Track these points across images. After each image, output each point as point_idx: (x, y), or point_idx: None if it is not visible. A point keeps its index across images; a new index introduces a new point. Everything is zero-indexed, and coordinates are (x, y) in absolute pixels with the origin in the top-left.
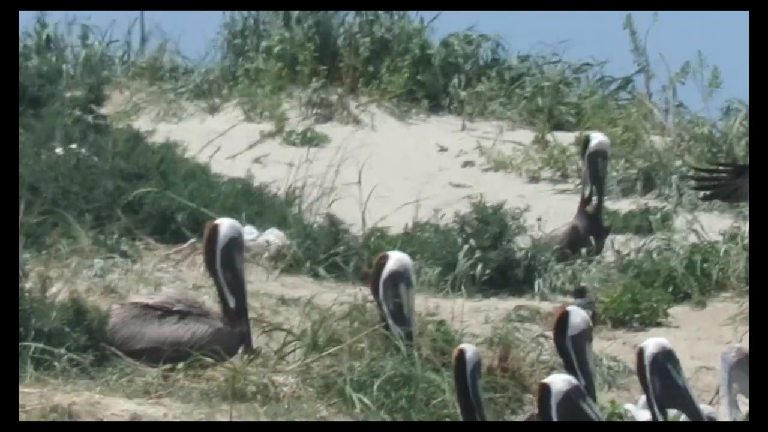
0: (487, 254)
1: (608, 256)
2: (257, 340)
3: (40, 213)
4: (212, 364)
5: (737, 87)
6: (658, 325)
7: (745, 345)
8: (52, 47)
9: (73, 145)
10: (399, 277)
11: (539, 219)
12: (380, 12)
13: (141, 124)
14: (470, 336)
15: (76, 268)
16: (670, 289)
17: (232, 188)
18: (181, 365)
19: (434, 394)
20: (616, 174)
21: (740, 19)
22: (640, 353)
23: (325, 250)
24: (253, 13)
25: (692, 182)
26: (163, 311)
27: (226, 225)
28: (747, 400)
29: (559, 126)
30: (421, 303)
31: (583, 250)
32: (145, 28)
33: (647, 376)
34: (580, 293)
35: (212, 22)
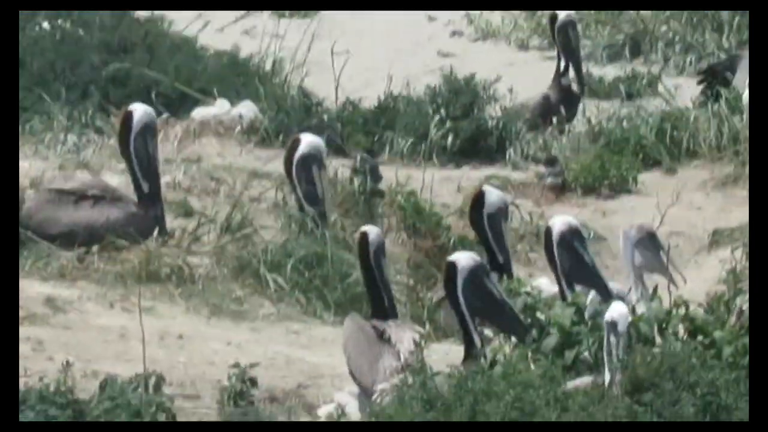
0: (458, 124)
1: (580, 125)
2: (173, 223)
3: (24, 88)
4: (126, 247)
5: None
6: (628, 192)
7: (647, 222)
8: None
9: (59, 20)
10: (311, 159)
11: (510, 89)
12: None
13: None
14: (441, 206)
15: (49, 143)
16: (641, 157)
17: (217, 61)
18: (95, 248)
19: (347, 273)
20: (602, 40)
21: None
22: (548, 231)
23: (298, 123)
24: None
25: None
26: (78, 196)
27: (140, 111)
28: (653, 276)
29: None
30: (392, 174)
31: (554, 119)
32: None
33: (555, 253)
34: (550, 162)
35: None
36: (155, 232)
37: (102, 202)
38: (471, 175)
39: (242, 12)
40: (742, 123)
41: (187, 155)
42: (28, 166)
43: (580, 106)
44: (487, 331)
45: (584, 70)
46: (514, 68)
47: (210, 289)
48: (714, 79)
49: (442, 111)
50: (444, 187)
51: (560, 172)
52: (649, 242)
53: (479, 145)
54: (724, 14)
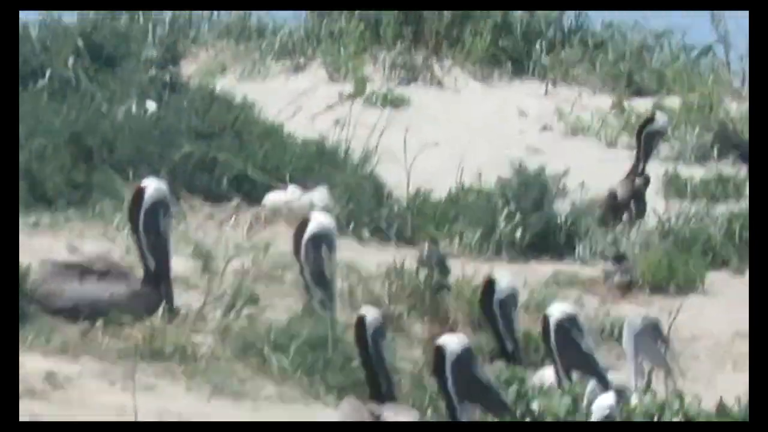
0: (527, 218)
1: (650, 222)
2: (182, 299)
3: (114, 169)
4: (130, 324)
5: None
6: (695, 291)
7: (651, 313)
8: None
9: (149, 104)
10: (321, 238)
11: (582, 183)
12: None
13: (226, 82)
14: None
15: (118, 225)
16: (710, 256)
17: (305, 150)
18: (99, 324)
19: (351, 357)
20: (691, 140)
21: None
22: (545, 319)
23: (369, 212)
24: None
25: None
26: (83, 270)
27: (152, 187)
28: (652, 368)
29: (640, 92)
30: (460, 267)
31: (625, 216)
32: None
33: (551, 342)
34: (618, 259)
35: None
36: (161, 309)
37: (107, 277)
38: (538, 270)
39: (334, 100)
40: None
41: (257, 242)
42: (96, 248)
43: (651, 204)
44: None
45: (672, 169)
46: (603, 165)
47: (213, 368)
48: None
49: (512, 204)
50: None
51: (628, 269)
52: (651, 333)
53: (548, 239)
54: None
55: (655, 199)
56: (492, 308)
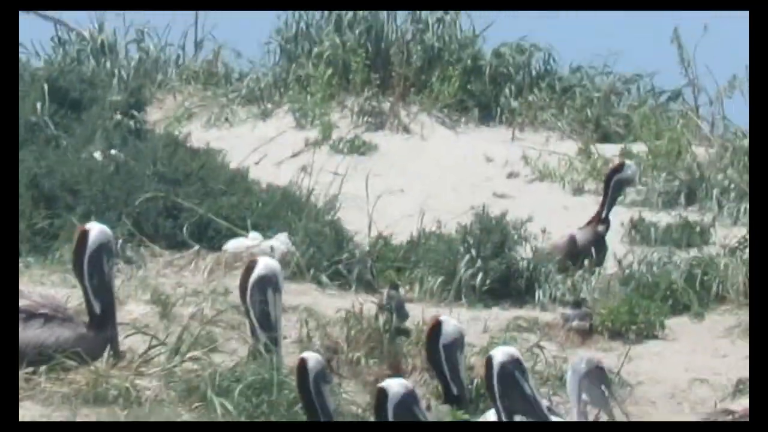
0: (488, 264)
1: (611, 267)
2: (127, 343)
3: (80, 216)
4: (75, 368)
5: None
6: (655, 337)
7: (596, 356)
8: (107, 52)
9: (113, 150)
10: (267, 282)
11: (543, 229)
12: (432, 20)
13: (192, 128)
14: (467, 346)
15: None
16: (670, 302)
17: (269, 196)
18: (43, 368)
19: (296, 400)
20: (658, 186)
21: None
22: (488, 362)
23: (329, 257)
24: (306, 18)
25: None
26: (27, 314)
27: (95, 230)
28: (595, 411)
29: (607, 137)
30: (420, 313)
31: (586, 262)
32: (200, 32)
33: (494, 385)
34: (577, 304)
35: (266, 26)
36: (106, 354)
37: (52, 322)
38: (499, 316)
39: (300, 146)
40: None
41: (216, 287)
42: (54, 294)
43: (614, 250)
44: None
45: (638, 215)
46: (568, 211)
47: (156, 413)
48: None
49: (473, 250)
50: (471, 327)
51: (587, 315)
52: (596, 377)
53: (509, 285)
54: None
55: (619, 245)
56: (438, 352)
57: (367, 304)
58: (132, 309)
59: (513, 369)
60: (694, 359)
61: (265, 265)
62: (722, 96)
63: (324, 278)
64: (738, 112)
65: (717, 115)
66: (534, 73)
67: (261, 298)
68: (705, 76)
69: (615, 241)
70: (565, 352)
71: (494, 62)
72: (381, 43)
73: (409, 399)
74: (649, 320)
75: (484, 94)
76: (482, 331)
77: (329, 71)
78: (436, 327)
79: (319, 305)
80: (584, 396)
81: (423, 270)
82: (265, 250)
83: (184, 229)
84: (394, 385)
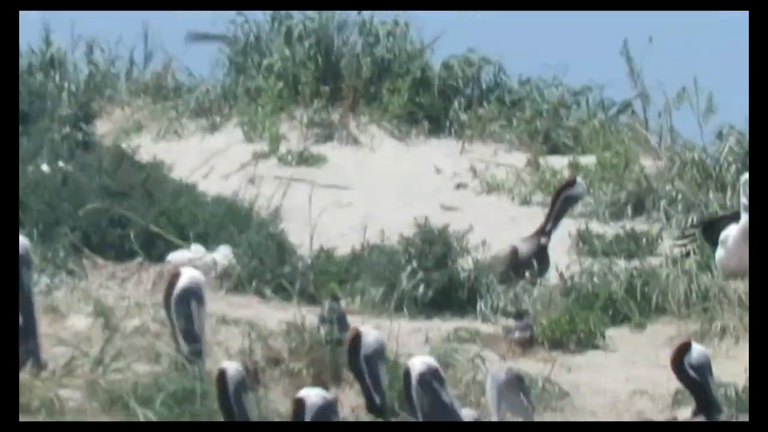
0: (430, 275)
1: (552, 278)
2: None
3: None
4: None
5: (732, 112)
6: (595, 347)
7: (515, 366)
8: (56, 65)
9: (60, 163)
10: (191, 294)
11: (484, 241)
12: (382, 32)
13: (142, 141)
14: (407, 356)
15: None
16: (611, 312)
17: (215, 208)
18: None
19: (217, 410)
20: (605, 197)
21: (736, 46)
22: (407, 371)
23: (272, 270)
24: (255, 30)
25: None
26: None
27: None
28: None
29: (556, 149)
30: (361, 324)
31: (527, 273)
32: (150, 45)
33: (413, 395)
34: (518, 316)
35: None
36: (28, 365)
37: None
38: (441, 327)
39: (248, 159)
40: (711, 281)
41: (159, 300)
42: None
43: (557, 261)
44: None
45: (585, 227)
46: (515, 222)
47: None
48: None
49: (414, 261)
50: (412, 338)
51: (527, 326)
52: (515, 386)
53: (450, 296)
54: (728, 175)
55: (563, 257)
56: (359, 363)
57: (309, 316)
58: (74, 321)
59: (431, 378)
60: (635, 369)
61: (188, 277)
62: (671, 108)
63: (267, 290)
64: (686, 124)
65: (665, 128)
66: (483, 85)
67: (185, 311)
68: (654, 89)
69: (561, 252)
70: (506, 362)
71: (443, 74)
72: (331, 56)
73: (327, 410)
74: (589, 330)
75: (434, 107)
76: (423, 342)
77: (279, 83)
78: (356, 338)
79: (261, 317)
80: (503, 405)
81: (364, 282)
82: (207, 262)
83: (132, 240)
84: (313, 396)
